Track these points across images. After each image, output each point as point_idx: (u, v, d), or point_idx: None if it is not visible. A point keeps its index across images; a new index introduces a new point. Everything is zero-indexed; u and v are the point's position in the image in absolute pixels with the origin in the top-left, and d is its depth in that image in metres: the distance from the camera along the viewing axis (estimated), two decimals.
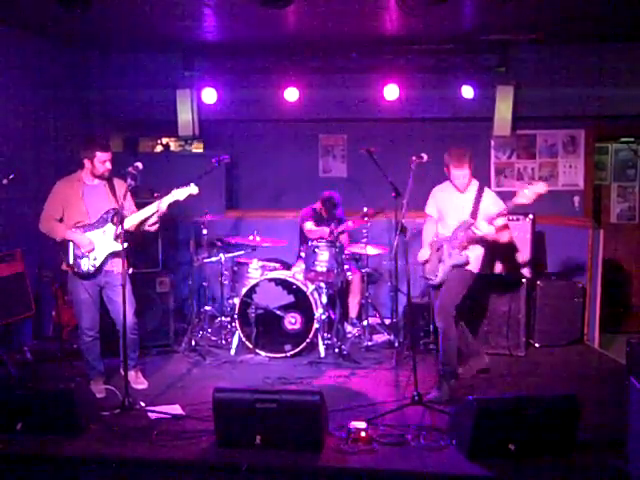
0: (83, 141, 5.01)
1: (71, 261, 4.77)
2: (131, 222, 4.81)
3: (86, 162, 4.77)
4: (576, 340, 6.31)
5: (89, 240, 4.74)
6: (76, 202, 4.79)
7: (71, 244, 4.75)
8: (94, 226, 4.79)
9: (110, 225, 4.79)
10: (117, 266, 4.80)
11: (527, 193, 4.52)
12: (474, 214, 4.82)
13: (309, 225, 6.48)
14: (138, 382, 5.07)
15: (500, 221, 4.81)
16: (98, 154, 4.72)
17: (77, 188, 4.81)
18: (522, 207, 4.69)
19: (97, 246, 4.77)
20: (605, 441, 4.02)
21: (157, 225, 5.02)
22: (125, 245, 4.58)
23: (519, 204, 4.60)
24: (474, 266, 4.94)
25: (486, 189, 4.95)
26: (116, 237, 4.72)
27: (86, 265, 4.76)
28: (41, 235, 4.85)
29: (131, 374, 4.96)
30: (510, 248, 5.73)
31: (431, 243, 5.08)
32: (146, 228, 4.98)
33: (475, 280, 4.96)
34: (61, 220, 4.79)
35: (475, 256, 4.91)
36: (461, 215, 4.88)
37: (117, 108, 7.52)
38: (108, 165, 4.78)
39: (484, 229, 4.74)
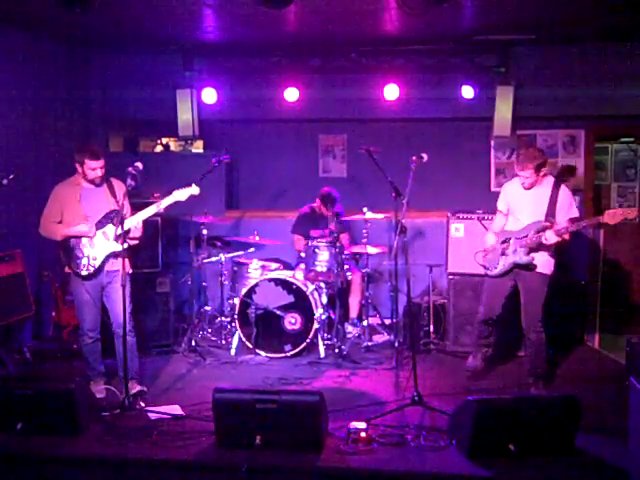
0: (77, 146, 5.00)
1: (72, 262, 4.77)
2: (131, 223, 4.80)
3: (77, 167, 4.78)
4: (576, 340, 6.31)
5: (88, 226, 4.73)
6: (74, 205, 4.79)
7: (72, 245, 4.75)
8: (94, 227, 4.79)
9: (110, 226, 4.78)
10: (118, 266, 4.79)
11: (616, 214, 4.27)
12: (550, 214, 4.61)
13: (295, 237, 6.65)
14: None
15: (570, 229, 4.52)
16: (87, 161, 4.70)
17: (75, 191, 4.81)
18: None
19: (97, 246, 4.77)
20: (605, 441, 4.03)
21: (137, 241, 4.97)
22: (125, 245, 4.58)
23: (604, 222, 4.33)
24: (545, 268, 4.75)
25: (563, 187, 4.69)
26: (116, 238, 4.72)
27: (86, 265, 4.75)
28: (41, 236, 4.86)
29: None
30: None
31: (498, 232, 4.97)
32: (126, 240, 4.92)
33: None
34: (60, 223, 4.79)
35: (543, 259, 4.72)
36: (535, 211, 4.68)
37: (117, 108, 7.50)
38: (99, 172, 4.75)
39: (551, 240, 4.51)
